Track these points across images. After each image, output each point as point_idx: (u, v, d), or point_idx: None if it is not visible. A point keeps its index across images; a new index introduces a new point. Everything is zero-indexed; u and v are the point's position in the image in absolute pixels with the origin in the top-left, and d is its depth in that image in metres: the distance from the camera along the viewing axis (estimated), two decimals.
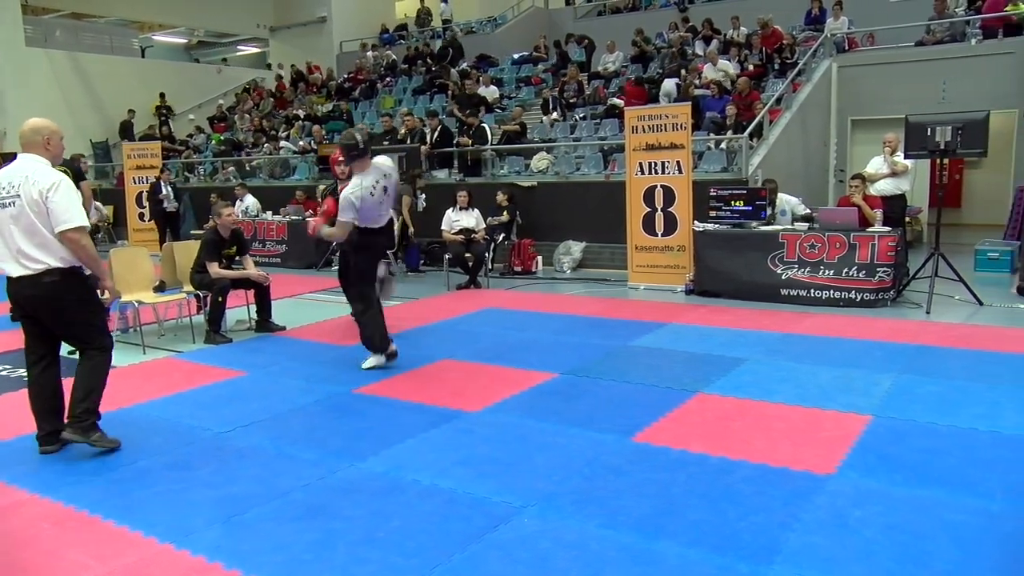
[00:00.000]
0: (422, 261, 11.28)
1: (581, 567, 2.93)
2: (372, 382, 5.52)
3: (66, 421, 4.24)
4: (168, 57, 25.24)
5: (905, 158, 8.25)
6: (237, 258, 7.36)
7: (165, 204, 13.18)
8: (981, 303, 7.43)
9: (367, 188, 5.53)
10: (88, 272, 4.19)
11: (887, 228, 7.76)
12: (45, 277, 4.01)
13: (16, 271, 4.02)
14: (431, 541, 3.16)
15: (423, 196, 11.04)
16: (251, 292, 7.42)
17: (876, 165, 8.82)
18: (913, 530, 3.11)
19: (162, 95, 20.59)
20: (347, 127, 15.57)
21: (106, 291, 4.47)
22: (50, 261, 4.01)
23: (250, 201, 13.19)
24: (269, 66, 22.14)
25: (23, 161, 4.11)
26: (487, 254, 9.88)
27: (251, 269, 7.38)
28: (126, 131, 19.14)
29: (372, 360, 5.92)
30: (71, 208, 4.00)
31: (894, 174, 8.61)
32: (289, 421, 4.75)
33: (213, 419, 4.80)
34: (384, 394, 5.25)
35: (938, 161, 7.79)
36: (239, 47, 27.43)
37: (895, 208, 8.52)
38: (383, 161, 5.81)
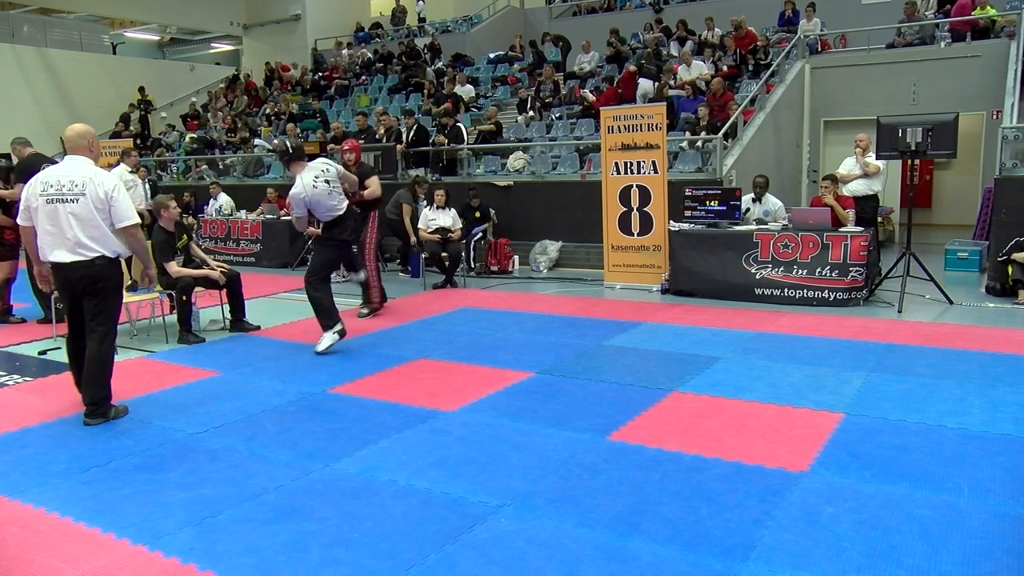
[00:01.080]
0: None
1: (556, 566, 2.94)
2: (347, 382, 5.49)
3: (85, 411, 4.77)
4: (140, 54, 24.92)
5: (877, 159, 8.36)
6: (190, 245, 7.33)
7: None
8: (951, 302, 7.55)
9: (308, 184, 6.25)
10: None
11: (860, 228, 7.85)
12: (97, 262, 4.63)
13: (69, 258, 4.60)
14: (406, 542, 3.16)
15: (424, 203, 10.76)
16: (224, 292, 7.35)
17: (848, 166, 8.93)
18: (883, 525, 3.15)
19: (141, 89, 20.32)
20: (320, 125, 15.53)
21: (146, 277, 5.23)
22: (102, 250, 4.65)
23: (224, 200, 13.07)
24: (236, 74, 21.84)
25: (77, 162, 4.71)
26: (463, 253, 9.87)
27: (208, 262, 7.41)
28: (126, 123, 18.95)
29: (327, 338, 6.31)
30: (130, 207, 4.72)
31: (866, 175, 8.72)
32: (263, 422, 4.71)
33: (186, 420, 4.76)
34: (359, 394, 5.23)
35: (909, 162, 7.90)
36: (212, 44, 27.15)
37: (867, 208, 8.64)
38: (319, 162, 6.51)
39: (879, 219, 9.97)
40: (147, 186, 13.05)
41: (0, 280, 7.84)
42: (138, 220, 4.79)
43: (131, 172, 9.31)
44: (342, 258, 6.93)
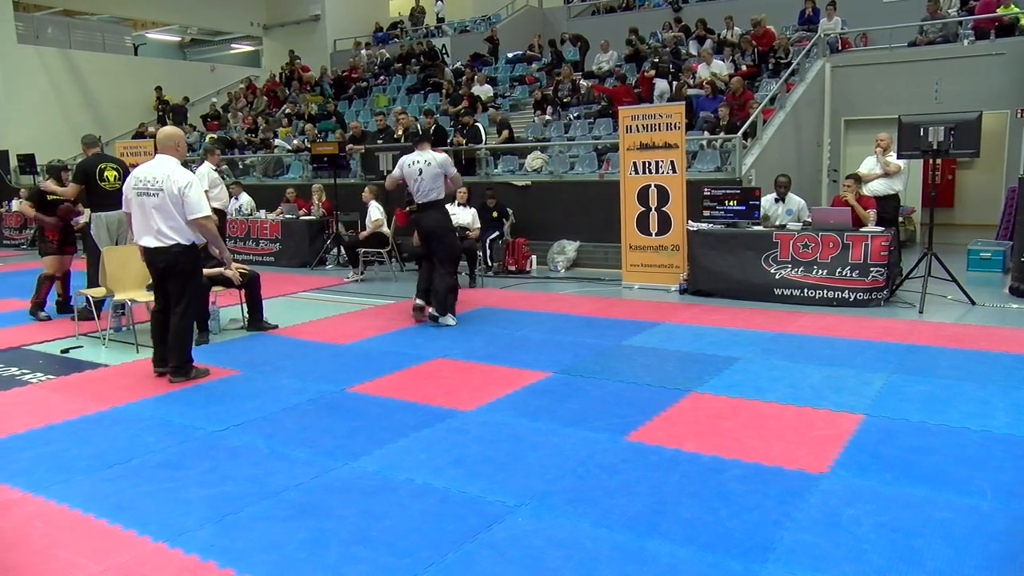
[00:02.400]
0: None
1: (574, 566, 2.94)
2: (365, 381, 5.52)
3: (170, 369, 5.62)
4: (161, 55, 25.16)
5: (898, 158, 8.26)
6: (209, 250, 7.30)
7: None
8: (973, 303, 7.47)
9: (407, 162, 7.30)
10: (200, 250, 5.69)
11: (880, 228, 7.78)
12: (174, 249, 5.40)
13: (153, 244, 5.41)
14: (424, 540, 3.16)
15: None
16: (243, 292, 7.40)
17: (869, 165, 8.83)
18: (904, 528, 3.12)
19: (159, 89, 20.51)
20: (338, 126, 15.60)
21: (224, 261, 5.92)
22: (178, 238, 5.40)
23: (244, 200, 13.16)
24: (250, 80, 21.94)
25: (162, 161, 5.43)
26: (479, 253, 9.89)
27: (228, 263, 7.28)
28: (180, 117, 19.12)
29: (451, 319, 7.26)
30: (201, 201, 5.39)
31: (886, 174, 8.61)
32: (282, 420, 4.74)
33: (206, 418, 4.80)
34: (377, 393, 5.24)
35: (931, 161, 7.81)
36: (232, 45, 27.35)
37: (888, 208, 8.54)
38: (429, 152, 7.24)
39: (900, 219, 9.86)
40: None
41: (52, 274, 7.97)
42: (208, 213, 5.41)
43: (215, 169, 9.46)
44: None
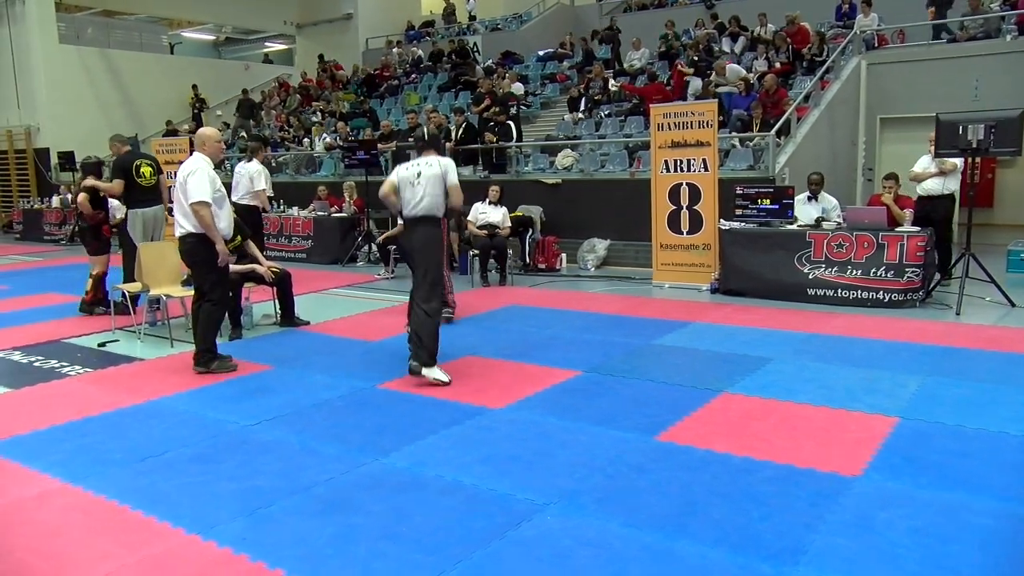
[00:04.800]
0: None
1: (603, 565, 2.93)
2: (396, 378, 5.54)
3: (193, 362, 5.81)
4: (196, 54, 25.51)
5: (935, 156, 8.08)
6: (243, 248, 7.35)
7: None
8: (1013, 304, 7.31)
9: (403, 167, 5.92)
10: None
11: (916, 228, 7.64)
12: (188, 239, 5.65)
13: (178, 232, 5.70)
14: (452, 537, 3.18)
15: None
16: (275, 288, 7.47)
17: (924, 164, 8.51)
18: (939, 533, 3.07)
19: (195, 87, 20.81)
20: (369, 124, 15.70)
21: (220, 254, 5.78)
22: (189, 227, 5.63)
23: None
24: (280, 79, 22.11)
25: (190, 158, 5.77)
26: (509, 251, 9.90)
27: (260, 260, 7.32)
28: (251, 111, 19.49)
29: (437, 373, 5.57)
30: (198, 188, 5.53)
31: (942, 173, 8.35)
32: (313, 415, 4.79)
33: (238, 412, 4.86)
34: (407, 390, 5.27)
35: (970, 160, 7.66)
36: (266, 44, 27.66)
37: (941, 209, 8.29)
38: (434, 158, 5.80)
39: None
40: None
41: (98, 273, 8.11)
42: (203, 199, 5.53)
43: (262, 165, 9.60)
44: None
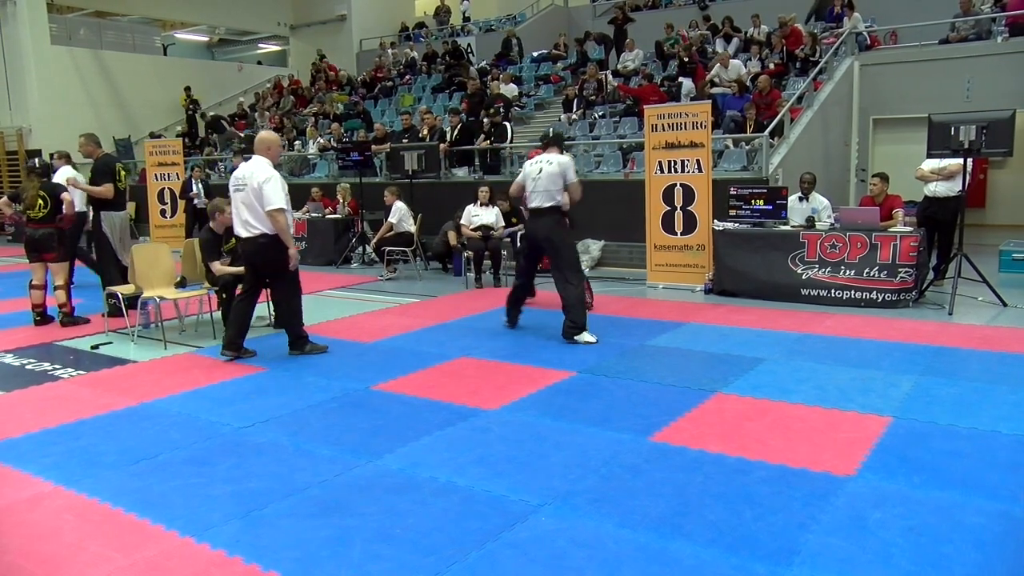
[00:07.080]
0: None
1: (597, 566, 2.93)
2: (389, 379, 5.54)
3: (289, 346, 6.39)
4: (190, 55, 25.44)
5: (927, 157, 8.09)
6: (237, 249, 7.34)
7: (196, 201, 13.17)
8: (1005, 304, 7.35)
9: (529, 163, 6.85)
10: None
11: (909, 228, 7.67)
12: (260, 239, 5.99)
13: (244, 234, 6.05)
14: (447, 539, 3.17)
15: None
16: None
17: (932, 165, 8.51)
18: (933, 533, 3.08)
19: (187, 88, 20.74)
20: (363, 125, 15.69)
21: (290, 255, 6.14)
22: (262, 228, 5.97)
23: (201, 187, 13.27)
24: (278, 80, 22.06)
25: (252, 161, 6.10)
26: (503, 252, 9.90)
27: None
28: (192, 127, 19.41)
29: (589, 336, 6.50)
30: (275, 195, 5.90)
31: (950, 176, 8.31)
32: (307, 417, 4.78)
33: (232, 415, 4.85)
34: (401, 391, 5.27)
35: (962, 161, 7.67)
36: (260, 45, 27.60)
37: (947, 211, 8.25)
38: (555, 155, 6.68)
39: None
40: (199, 185, 13.31)
41: (65, 282, 7.92)
42: (280, 205, 5.91)
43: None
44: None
